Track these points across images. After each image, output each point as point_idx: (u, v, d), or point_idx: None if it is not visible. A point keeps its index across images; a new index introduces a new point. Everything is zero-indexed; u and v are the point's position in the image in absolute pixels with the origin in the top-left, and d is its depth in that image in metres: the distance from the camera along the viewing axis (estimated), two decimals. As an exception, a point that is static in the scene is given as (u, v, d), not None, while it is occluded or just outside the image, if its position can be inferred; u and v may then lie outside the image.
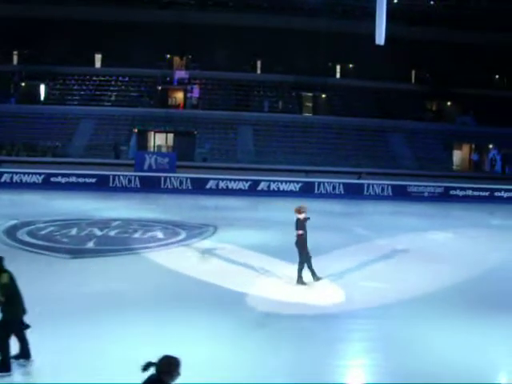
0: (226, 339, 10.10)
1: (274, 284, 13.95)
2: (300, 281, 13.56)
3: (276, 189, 32.92)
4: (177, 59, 48.75)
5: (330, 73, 46.80)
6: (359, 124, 41.88)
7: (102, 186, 31.71)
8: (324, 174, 35.02)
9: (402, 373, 9.03)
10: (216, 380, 8.23)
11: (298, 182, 33.32)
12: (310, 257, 13.63)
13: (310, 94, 45.98)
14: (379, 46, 21.92)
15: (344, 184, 33.76)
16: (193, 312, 11.34)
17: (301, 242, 13.52)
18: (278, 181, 33.18)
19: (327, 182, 33.57)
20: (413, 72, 47.99)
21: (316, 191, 33.38)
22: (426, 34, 45.19)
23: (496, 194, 35.34)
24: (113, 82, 46.29)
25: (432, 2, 44.60)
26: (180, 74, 46.83)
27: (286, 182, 33.20)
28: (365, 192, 33.77)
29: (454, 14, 44.58)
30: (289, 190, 32.95)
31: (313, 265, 13.61)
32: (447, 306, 12.63)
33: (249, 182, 32.98)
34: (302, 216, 13.73)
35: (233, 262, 16.01)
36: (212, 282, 13.68)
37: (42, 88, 46.05)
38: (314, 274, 13.65)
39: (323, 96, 45.94)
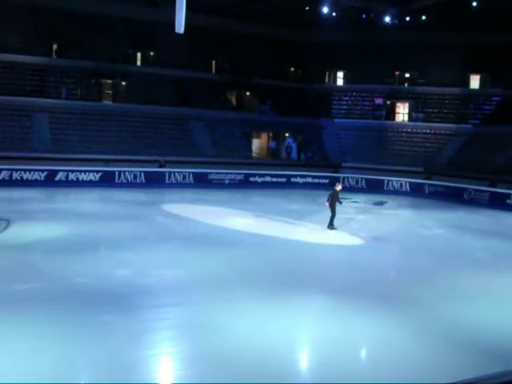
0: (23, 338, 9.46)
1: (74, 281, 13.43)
2: (331, 227, 20.93)
3: (75, 179, 31.88)
4: (-37, 39, 44.89)
5: (130, 60, 45.94)
6: (160, 112, 41.58)
7: None
8: (125, 162, 34.41)
9: (205, 358, 9.10)
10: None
11: (97, 172, 32.52)
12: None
13: (110, 81, 44.72)
14: (180, 34, 21.99)
15: (145, 172, 33.57)
16: None
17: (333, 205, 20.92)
18: (76, 170, 32.14)
19: (128, 171, 33.17)
20: (213, 62, 48.67)
21: (117, 180, 32.87)
22: (226, 25, 46.04)
23: (292, 179, 37.38)
24: None
25: (231, -6, 45.52)
26: (-33, 56, 43.24)
27: (85, 171, 32.27)
28: (166, 180, 33.86)
29: (253, 7, 45.92)
30: (88, 179, 32.07)
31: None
32: (246, 288, 12.98)
33: (45, 173, 31.52)
34: (338, 188, 21.53)
35: (24, 257, 15.15)
36: None
37: None
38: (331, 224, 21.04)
39: (123, 83, 44.99)
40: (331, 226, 21.06)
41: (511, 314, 12.20)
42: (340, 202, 21.39)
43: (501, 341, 10.35)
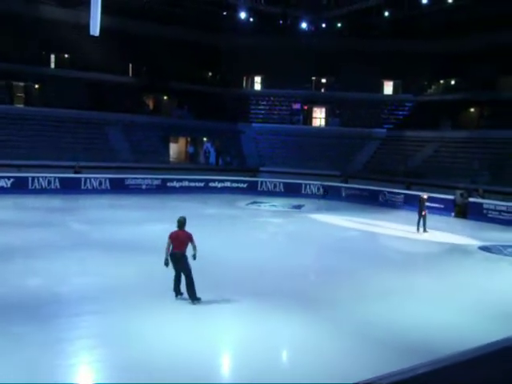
0: None
1: None
2: (424, 230, 23.65)
3: (-16, 186, 30.66)
4: None
5: (43, 62, 44.62)
6: (75, 116, 40.58)
7: None
8: (38, 168, 33.35)
9: (127, 366, 8.92)
10: None
11: (9, 178, 31.39)
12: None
13: (22, 84, 43.36)
14: (96, 37, 21.59)
15: (60, 178, 32.71)
16: None
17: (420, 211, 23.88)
18: (-14, 177, 30.90)
19: (42, 177, 32.19)
20: (130, 65, 47.98)
21: (30, 187, 31.85)
22: (144, 28, 45.62)
23: (210, 184, 37.33)
24: None
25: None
26: None
27: (-5, 177, 31.07)
28: (82, 186, 33.14)
29: (171, 11, 45.67)
30: (-1, 186, 30.93)
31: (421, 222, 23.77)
32: (164, 294, 12.74)
33: (-48, 179, 30.16)
34: (425, 196, 24.46)
35: None
36: None
37: None
38: (419, 227, 23.79)
39: (36, 86, 43.71)
40: (424, 229, 23.67)
41: (422, 311, 12.59)
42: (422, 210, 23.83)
43: (413, 337, 10.64)
